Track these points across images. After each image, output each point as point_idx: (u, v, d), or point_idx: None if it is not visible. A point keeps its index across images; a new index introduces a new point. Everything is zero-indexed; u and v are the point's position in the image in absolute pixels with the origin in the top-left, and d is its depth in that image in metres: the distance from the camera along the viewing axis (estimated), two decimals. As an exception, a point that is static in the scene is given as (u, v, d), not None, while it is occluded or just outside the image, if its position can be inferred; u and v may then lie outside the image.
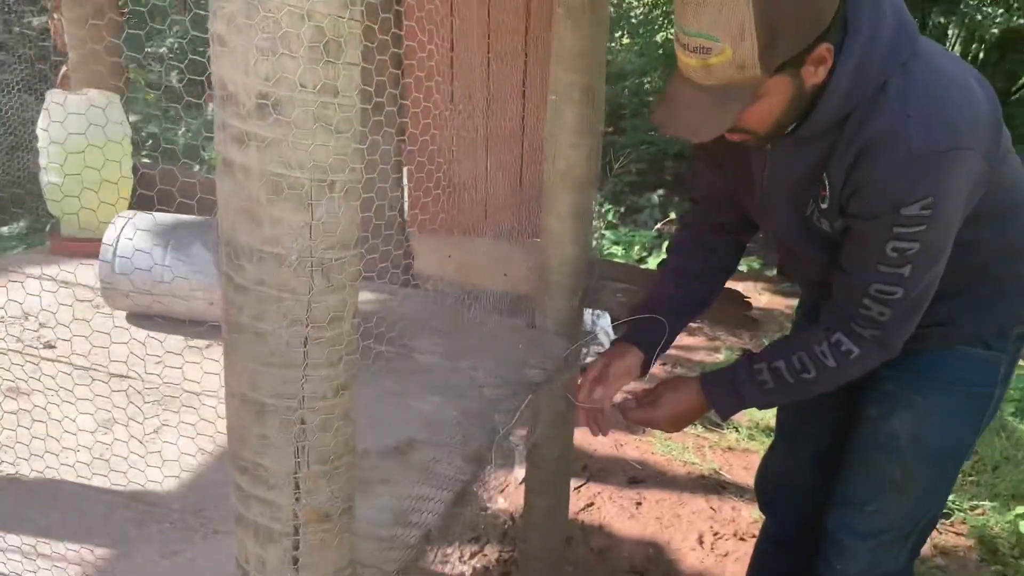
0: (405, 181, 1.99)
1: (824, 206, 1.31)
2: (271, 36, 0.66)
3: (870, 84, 1.20)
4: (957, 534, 2.82)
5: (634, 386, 1.88)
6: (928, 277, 1.25)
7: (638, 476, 3.02)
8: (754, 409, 1.92)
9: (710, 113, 1.19)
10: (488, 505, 2.77)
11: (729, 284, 1.80)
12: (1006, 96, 6.53)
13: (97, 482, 1.14)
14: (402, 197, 1.99)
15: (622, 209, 6.70)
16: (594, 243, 1.87)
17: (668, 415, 1.56)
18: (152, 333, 1.59)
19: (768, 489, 1.92)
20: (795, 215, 1.38)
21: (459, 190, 1.93)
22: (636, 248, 5.52)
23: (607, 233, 5.46)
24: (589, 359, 1.95)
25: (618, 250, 5.37)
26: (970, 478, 3.14)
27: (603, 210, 5.76)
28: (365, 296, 1.93)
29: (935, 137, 1.17)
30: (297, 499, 0.79)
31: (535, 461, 2.08)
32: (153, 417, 1.31)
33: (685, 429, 3.17)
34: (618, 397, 1.67)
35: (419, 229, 2.00)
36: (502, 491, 2.83)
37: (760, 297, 4.83)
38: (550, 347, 1.81)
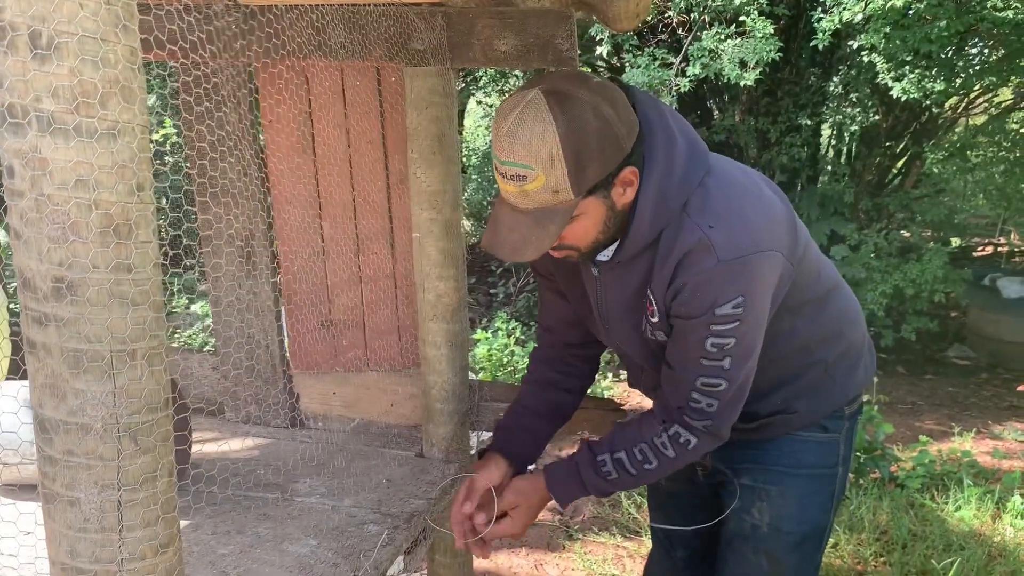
0: (284, 322, 2.03)
1: (654, 320, 1.41)
2: (61, 226, 0.72)
3: (673, 205, 1.31)
4: (873, 617, 2.86)
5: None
6: (747, 367, 1.35)
7: (559, 594, 3.00)
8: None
9: (532, 234, 1.28)
10: (405, 642, 2.70)
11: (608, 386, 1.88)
12: (881, 188, 6.99)
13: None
14: (283, 340, 2.03)
15: (534, 324, 6.82)
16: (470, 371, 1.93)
17: (523, 522, 1.57)
18: (14, 503, 1.57)
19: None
20: (632, 331, 1.48)
21: (338, 327, 1.99)
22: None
23: (516, 350, 5.54)
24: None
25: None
26: (881, 559, 3.21)
27: (510, 327, 5.85)
28: (247, 442, 1.94)
29: (737, 243, 1.28)
30: (124, 663, 0.80)
31: (437, 591, 2.07)
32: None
33: (605, 540, 3.18)
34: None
35: (302, 368, 2.04)
36: (420, 626, 2.76)
37: (633, 399, 4.97)
38: (436, 474, 1.84)
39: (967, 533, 3.35)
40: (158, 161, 6.27)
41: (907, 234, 6.94)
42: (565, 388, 1.70)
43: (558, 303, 1.64)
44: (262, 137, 1.91)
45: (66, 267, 0.73)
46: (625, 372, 5.67)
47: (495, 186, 8.54)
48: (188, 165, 1.93)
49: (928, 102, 5.69)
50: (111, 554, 0.78)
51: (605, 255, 1.40)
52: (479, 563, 3.15)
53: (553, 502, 1.55)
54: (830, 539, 1.74)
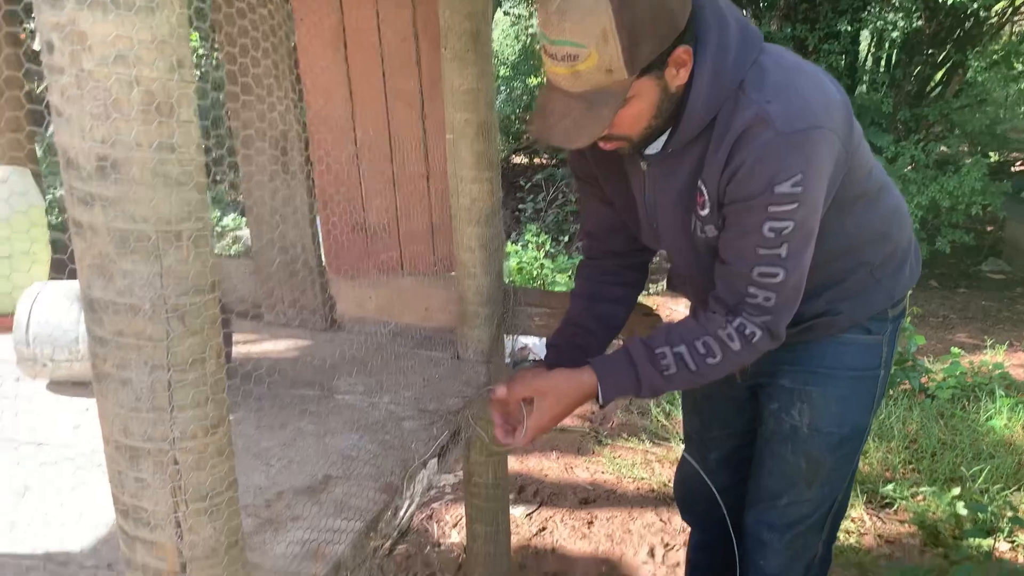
0: (319, 227, 2.03)
1: (704, 213, 1.38)
2: (103, 103, 0.71)
3: (728, 85, 1.28)
4: (900, 521, 2.90)
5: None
6: (804, 257, 1.32)
7: (589, 496, 3.06)
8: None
9: (584, 118, 1.24)
10: (441, 541, 2.79)
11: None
12: (920, 98, 6.78)
13: (9, 548, 1.16)
14: (317, 242, 2.03)
15: (566, 238, 6.80)
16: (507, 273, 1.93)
17: (551, 410, 1.47)
18: (69, 398, 1.62)
19: (686, 498, 1.98)
20: (680, 231, 1.45)
21: (373, 231, 1.98)
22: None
23: (546, 263, 5.53)
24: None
25: (563, 278, 5.45)
26: (910, 465, 3.23)
27: (540, 240, 5.83)
28: (286, 344, 1.97)
29: (797, 117, 1.24)
30: (180, 537, 0.83)
31: (472, 490, 2.12)
32: (70, 480, 1.33)
33: (634, 445, 3.22)
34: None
35: (338, 273, 2.05)
36: (454, 525, 2.85)
37: (666, 313, 4.97)
38: (471, 375, 1.86)
39: (997, 442, 3.36)
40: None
41: (945, 148, 6.76)
42: (613, 299, 1.68)
43: (601, 210, 1.62)
44: (294, 37, 1.87)
45: (109, 144, 0.72)
46: (653, 283, 5.63)
47: (524, 99, 8.40)
48: (218, 61, 1.91)
49: (975, 5, 5.46)
50: (163, 432, 0.79)
51: (655, 147, 1.37)
52: (512, 464, 3.22)
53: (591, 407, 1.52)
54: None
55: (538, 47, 1.25)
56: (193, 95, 0.76)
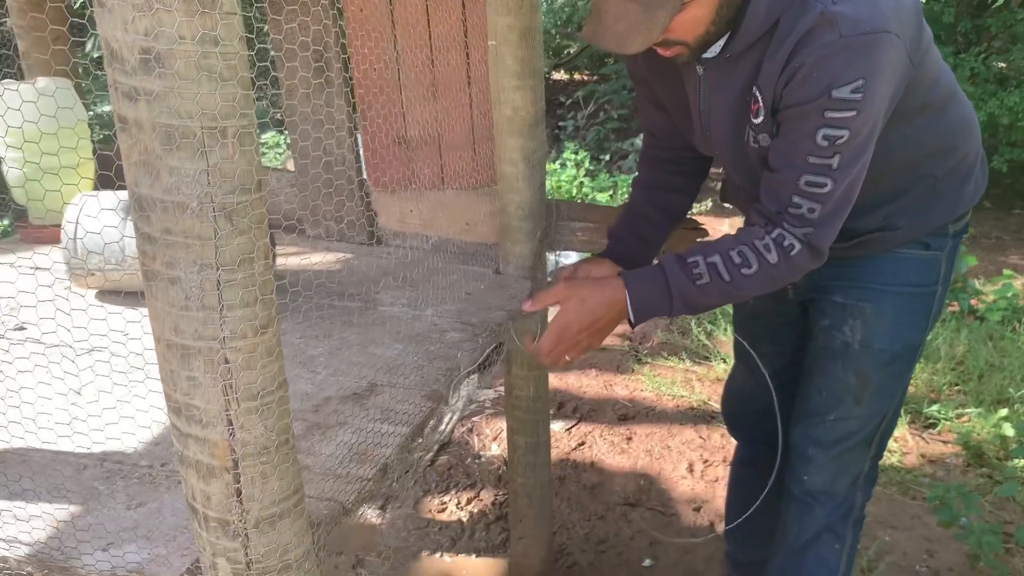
0: (360, 139, 2.01)
1: (758, 121, 1.33)
2: (144, -9, 0.69)
3: None
4: (944, 442, 2.88)
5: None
6: (855, 170, 1.27)
7: (628, 413, 3.09)
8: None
9: (639, 23, 1.20)
10: (481, 453, 2.84)
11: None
12: (983, 8, 6.46)
13: (66, 446, 1.19)
14: (358, 156, 2.02)
15: (607, 157, 6.70)
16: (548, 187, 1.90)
17: (584, 315, 1.40)
18: (119, 308, 1.64)
19: (733, 413, 1.97)
20: (734, 138, 1.41)
21: (414, 144, 1.96)
22: (622, 192, 5.54)
23: (586, 181, 5.46)
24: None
25: (603, 197, 5.39)
26: (956, 387, 3.19)
27: (579, 159, 5.74)
28: (328, 257, 1.97)
29: (863, 20, 1.18)
30: (232, 435, 0.84)
31: (513, 403, 2.14)
32: (121, 386, 1.36)
33: (673, 364, 3.22)
34: None
35: (379, 186, 2.04)
36: (495, 438, 2.89)
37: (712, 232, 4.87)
38: (514, 290, 1.85)
39: (1048, 364, 3.30)
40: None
41: (1004, 65, 6.47)
42: (676, 188, 1.66)
43: (657, 114, 1.58)
44: (331, -61, 1.82)
45: (152, 37, 0.70)
46: (699, 202, 5.54)
47: (565, 11, 8.16)
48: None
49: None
50: (213, 331, 0.80)
51: (713, 51, 1.32)
52: (551, 383, 3.25)
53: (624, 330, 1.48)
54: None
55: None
56: (235, -15, 0.73)
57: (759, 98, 1.31)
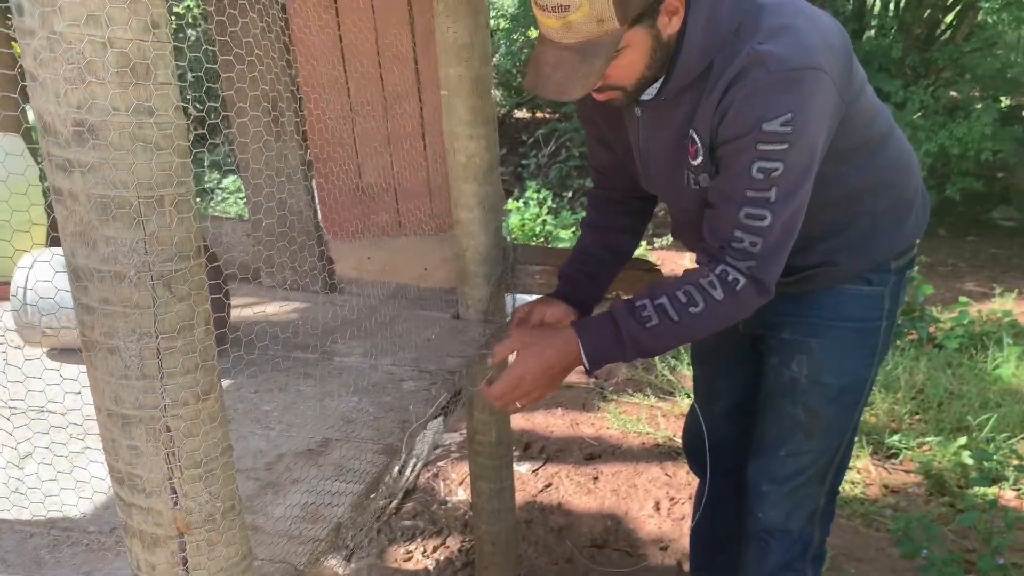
0: (315, 188, 2.02)
1: (696, 162, 1.36)
2: (77, 66, 0.69)
3: (724, 30, 1.25)
4: (906, 471, 2.91)
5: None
6: (793, 203, 1.28)
7: (594, 452, 3.08)
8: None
9: (577, 70, 1.22)
10: (447, 498, 2.81)
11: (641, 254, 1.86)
12: (930, 42, 6.66)
13: (13, 514, 1.17)
14: (314, 205, 2.02)
15: (569, 194, 6.75)
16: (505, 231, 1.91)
17: (539, 365, 1.40)
18: (70, 365, 1.62)
19: (692, 450, 1.98)
20: (673, 178, 1.43)
21: (370, 192, 1.96)
22: (585, 230, 5.58)
23: (548, 219, 5.50)
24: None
25: (566, 234, 5.43)
26: (916, 416, 3.23)
27: (541, 197, 5.79)
28: (284, 307, 1.96)
29: (790, 57, 1.21)
30: (175, 503, 0.83)
31: (476, 448, 2.13)
32: (72, 446, 1.34)
33: (639, 401, 3.22)
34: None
35: (335, 234, 2.03)
36: (460, 483, 2.87)
37: (669, 267, 4.95)
38: (471, 335, 1.86)
39: (1005, 391, 3.36)
40: (179, 36, 6.15)
41: (955, 94, 6.66)
42: (622, 228, 1.69)
43: (604, 153, 1.61)
44: (282, -7, 1.84)
45: (85, 110, 0.70)
46: (659, 237, 5.60)
47: (524, 52, 8.28)
48: (209, 32, 1.88)
49: (986, -54, 5.34)
50: (154, 400, 0.79)
51: (650, 93, 1.35)
52: (517, 421, 3.24)
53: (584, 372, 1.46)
54: (866, 395, 1.74)
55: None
56: (170, 56, 0.74)
57: (696, 140, 1.33)
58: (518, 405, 1.42)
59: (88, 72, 0.69)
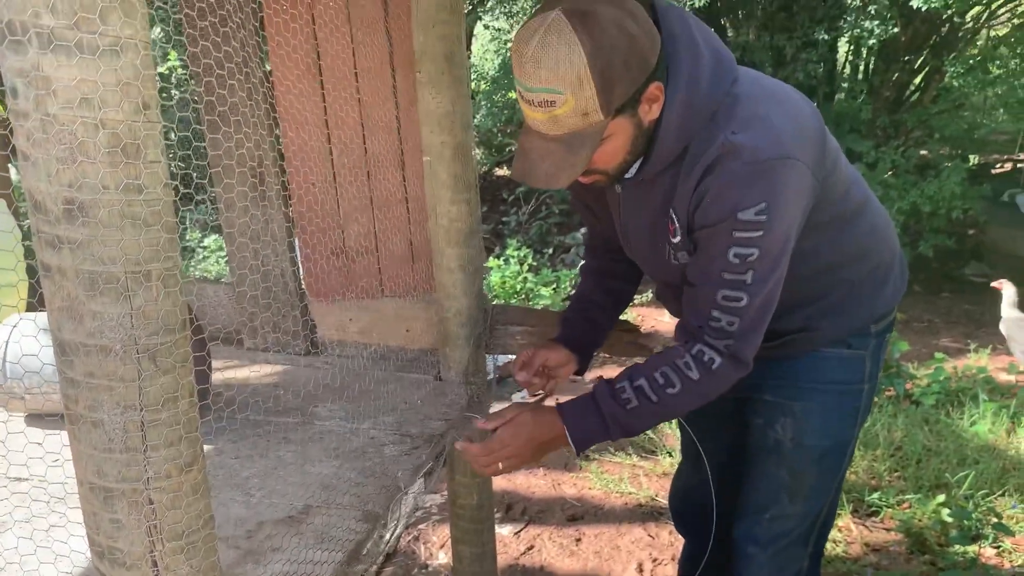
0: (298, 251, 2.03)
1: (676, 240, 1.39)
2: (68, 146, 0.71)
3: (700, 117, 1.29)
4: (886, 529, 2.91)
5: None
6: (769, 284, 1.32)
7: (576, 513, 3.06)
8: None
9: (564, 160, 1.26)
10: (428, 562, 2.77)
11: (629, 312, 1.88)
12: (899, 104, 6.85)
13: (-14, 588, 1.15)
14: (297, 268, 2.03)
15: (549, 251, 6.81)
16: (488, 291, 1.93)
17: (528, 435, 1.43)
18: (51, 432, 1.60)
19: (679, 509, 1.98)
20: (653, 253, 1.47)
21: (352, 254, 1.98)
22: (565, 286, 5.63)
23: (529, 277, 5.54)
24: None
25: (547, 291, 5.46)
26: (895, 473, 3.25)
27: (521, 255, 5.85)
28: (266, 370, 1.96)
29: (764, 148, 1.26)
30: (156, 577, 0.82)
31: (457, 511, 2.11)
32: (50, 516, 1.32)
33: (621, 460, 3.22)
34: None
35: (317, 297, 2.05)
36: (441, 546, 2.83)
37: (650, 323, 4.99)
38: (453, 397, 1.86)
39: (981, 447, 3.38)
40: (164, 95, 6.21)
41: (925, 152, 6.83)
42: (619, 275, 1.73)
43: (590, 217, 1.67)
44: (268, 61, 1.88)
45: (76, 188, 0.72)
46: (639, 294, 5.64)
47: (505, 112, 8.42)
48: (194, 94, 1.91)
49: (950, 11, 5.53)
50: (137, 473, 0.79)
51: (630, 172, 1.38)
52: (499, 483, 3.21)
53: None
54: (846, 454, 1.76)
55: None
56: (160, 136, 0.76)
57: (675, 219, 1.37)
58: (499, 467, 1.43)
59: (80, 152, 0.71)
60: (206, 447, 1.56)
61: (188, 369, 0.81)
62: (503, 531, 2.89)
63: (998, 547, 2.76)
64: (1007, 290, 4.36)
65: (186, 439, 0.82)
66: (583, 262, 1.78)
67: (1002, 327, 4.31)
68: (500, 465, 1.43)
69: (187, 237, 6.26)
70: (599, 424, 1.41)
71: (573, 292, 1.78)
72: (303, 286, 2.04)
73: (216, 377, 1.88)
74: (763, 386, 1.62)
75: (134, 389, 0.77)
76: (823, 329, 1.53)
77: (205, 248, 6.14)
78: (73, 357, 0.76)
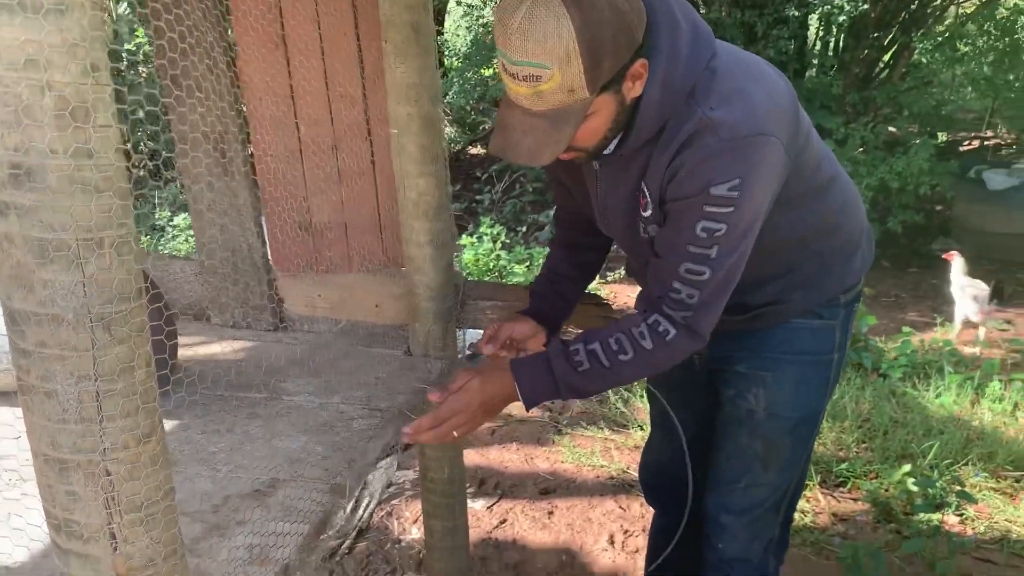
0: (265, 225, 2.01)
1: (647, 214, 1.39)
2: (14, 109, 0.69)
3: (679, 93, 1.28)
4: (853, 500, 2.96)
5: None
6: (733, 259, 1.32)
7: (549, 486, 3.08)
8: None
9: (547, 137, 1.24)
10: (401, 537, 2.78)
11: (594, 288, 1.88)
12: (868, 81, 6.89)
13: (-56, 565, 1.13)
14: (263, 243, 2.01)
15: (523, 228, 6.80)
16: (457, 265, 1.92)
17: (479, 400, 1.42)
18: (7, 408, 1.58)
19: (650, 481, 2.00)
20: (629, 228, 1.46)
21: (319, 228, 1.96)
22: (539, 264, 5.62)
23: (502, 255, 5.53)
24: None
25: (520, 268, 5.45)
26: (862, 445, 3.29)
27: (495, 233, 5.83)
28: (233, 345, 1.94)
29: (740, 124, 1.25)
30: (115, 549, 0.81)
31: (428, 485, 2.11)
32: (8, 493, 1.30)
33: (593, 434, 3.24)
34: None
35: (285, 271, 2.03)
36: (415, 521, 2.84)
37: (623, 300, 5.02)
38: (423, 372, 1.85)
39: (946, 418, 3.44)
40: (133, 72, 6.10)
41: (894, 129, 6.89)
42: (588, 246, 1.73)
43: (565, 195, 1.66)
44: (231, 32, 1.85)
45: (22, 153, 0.70)
46: (611, 271, 5.66)
47: (477, 89, 8.36)
48: (159, 68, 1.88)
49: (919, -11, 5.56)
50: (92, 444, 0.78)
51: (608, 148, 1.38)
52: (471, 458, 3.22)
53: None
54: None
55: (495, 63, 1.22)
56: (110, 99, 0.74)
57: (647, 193, 1.37)
58: (455, 435, 1.43)
59: (25, 115, 0.69)
60: (172, 422, 1.55)
61: (144, 339, 0.80)
62: (476, 505, 2.90)
63: (961, 515, 2.81)
64: (956, 261, 4.59)
65: (143, 409, 0.80)
66: (553, 234, 1.77)
67: (951, 292, 4.59)
68: (455, 433, 1.43)
69: (156, 216, 6.17)
70: (550, 384, 1.41)
71: (542, 264, 1.78)
72: (270, 261, 2.02)
73: (184, 353, 1.86)
74: (735, 358, 1.63)
75: (88, 359, 0.76)
76: (794, 301, 1.55)
77: (175, 227, 6.06)
78: (24, 327, 0.75)
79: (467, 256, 5.43)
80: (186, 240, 5.84)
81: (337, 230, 2.00)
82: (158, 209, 6.19)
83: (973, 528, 2.77)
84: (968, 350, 4.41)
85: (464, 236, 5.69)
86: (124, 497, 0.80)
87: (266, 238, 2.01)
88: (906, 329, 4.35)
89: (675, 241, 1.33)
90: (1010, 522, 2.79)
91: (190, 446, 1.48)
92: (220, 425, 1.55)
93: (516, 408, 3.20)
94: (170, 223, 6.13)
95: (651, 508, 2.10)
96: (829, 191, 1.53)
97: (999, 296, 4.47)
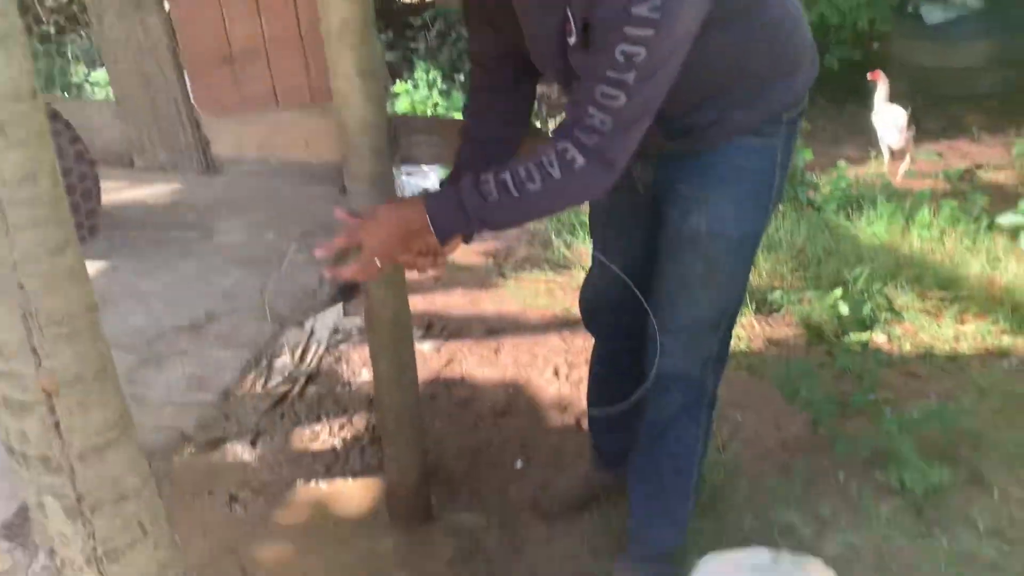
0: (184, 63, 1.90)
1: (572, 40, 1.34)
2: None
3: None
4: (787, 325, 3.07)
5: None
6: (649, 87, 1.29)
7: (495, 327, 3.13)
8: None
9: None
10: (350, 380, 2.82)
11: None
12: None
13: None
14: (183, 80, 1.91)
15: (460, 76, 6.60)
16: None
17: (392, 223, 1.43)
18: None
19: (590, 309, 2.03)
20: (558, 59, 1.41)
21: (240, 61, 1.86)
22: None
23: (440, 101, 5.39)
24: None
25: (459, 115, 5.33)
26: (796, 274, 3.39)
27: (430, 78, 5.65)
28: (161, 189, 1.88)
29: None
30: (39, 365, 0.80)
31: (373, 326, 2.12)
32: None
33: (537, 276, 3.26)
34: None
35: (207, 108, 1.94)
36: (364, 365, 2.88)
37: None
38: (359, 208, 1.82)
39: (878, 246, 3.54)
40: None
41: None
42: (508, 120, 1.68)
43: (486, 33, 1.58)
44: None
45: None
46: (552, 117, 5.59)
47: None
48: None
49: None
50: (2, 255, 0.74)
51: None
52: (417, 304, 3.24)
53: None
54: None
55: None
56: None
57: (571, 18, 1.32)
58: (377, 264, 1.42)
59: None
60: (100, 262, 1.50)
61: (46, 144, 0.75)
62: (423, 347, 2.95)
63: (888, 334, 2.94)
64: (881, 83, 4.60)
65: (53, 221, 0.77)
66: (462, 129, 1.69)
67: (873, 119, 4.63)
68: (377, 262, 1.42)
69: (72, 71, 5.83)
70: (461, 216, 1.40)
71: (456, 157, 1.69)
72: (192, 99, 1.93)
73: (108, 199, 1.79)
74: (677, 179, 1.63)
75: (-15, 164, 0.71)
76: (735, 119, 1.53)
77: (94, 84, 5.74)
78: (-92, 131, 0.69)
79: (403, 104, 5.29)
80: (107, 96, 5.55)
81: (259, 62, 1.90)
82: (73, 64, 5.85)
83: (899, 346, 2.90)
84: (901, 180, 4.50)
85: (399, 83, 5.52)
86: (43, 311, 0.78)
87: (186, 75, 1.91)
88: (841, 164, 4.41)
89: (594, 64, 1.29)
90: (934, 339, 2.93)
91: (121, 286, 1.44)
92: (152, 264, 1.52)
93: (458, 254, 3.24)
94: (87, 80, 5.80)
95: (592, 338, 2.15)
96: (764, 8, 1.49)
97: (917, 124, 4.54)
